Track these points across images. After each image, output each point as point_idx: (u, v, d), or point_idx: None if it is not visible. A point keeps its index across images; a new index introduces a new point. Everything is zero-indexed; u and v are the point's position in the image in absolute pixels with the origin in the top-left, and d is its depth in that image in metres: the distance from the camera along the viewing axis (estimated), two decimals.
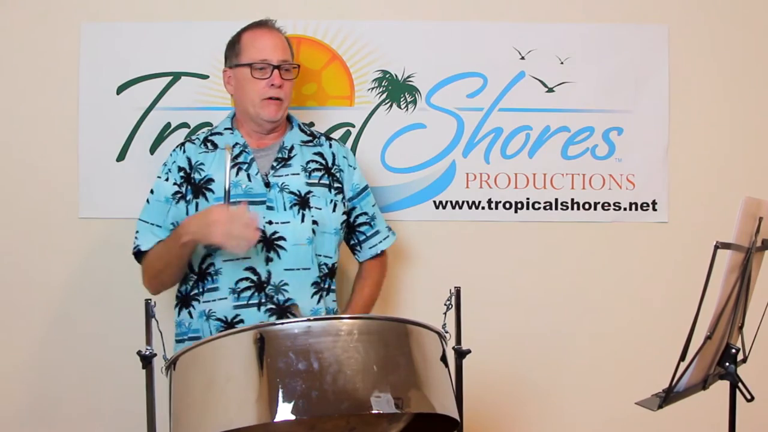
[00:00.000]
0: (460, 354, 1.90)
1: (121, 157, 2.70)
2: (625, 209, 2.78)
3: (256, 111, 2.28)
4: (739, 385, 1.83)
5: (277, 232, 2.22)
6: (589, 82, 2.76)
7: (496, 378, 2.68)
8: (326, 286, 2.30)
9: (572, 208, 2.77)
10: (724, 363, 1.84)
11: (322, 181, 2.32)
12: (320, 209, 2.28)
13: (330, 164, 2.37)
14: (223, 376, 1.64)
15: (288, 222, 2.24)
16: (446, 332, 1.84)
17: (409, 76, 2.74)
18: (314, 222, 2.26)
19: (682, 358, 1.72)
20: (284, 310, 2.20)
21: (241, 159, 2.28)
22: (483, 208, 2.76)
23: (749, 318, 1.93)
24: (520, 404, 2.79)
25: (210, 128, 2.43)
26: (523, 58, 2.75)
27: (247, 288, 2.21)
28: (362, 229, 2.45)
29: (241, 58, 2.28)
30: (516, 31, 2.75)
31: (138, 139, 2.69)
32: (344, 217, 2.36)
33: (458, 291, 1.92)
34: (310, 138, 2.40)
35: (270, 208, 2.23)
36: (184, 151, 2.31)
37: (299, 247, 2.24)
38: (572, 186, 2.77)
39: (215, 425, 1.58)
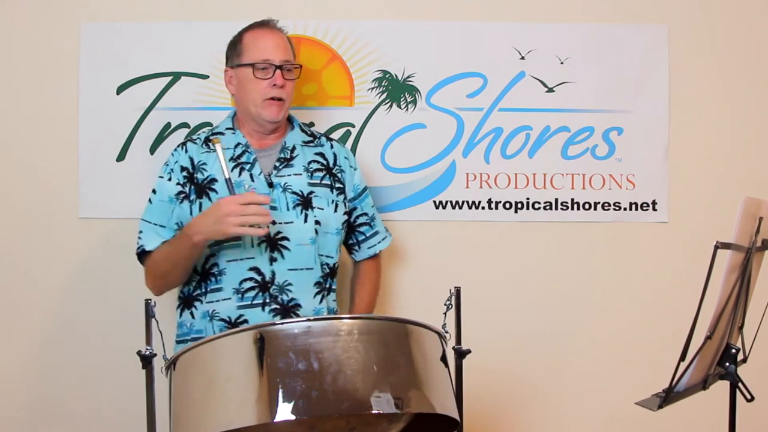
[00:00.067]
0: (460, 354, 1.91)
1: (121, 157, 2.70)
2: (625, 209, 2.78)
3: (258, 111, 2.28)
4: (739, 385, 1.83)
5: (281, 232, 2.22)
6: (589, 82, 2.76)
7: (496, 378, 2.68)
8: (328, 285, 2.30)
9: (572, 208, 2.77)
10: (724, 363, 1.84)
11: (323, 182, 2.33)
12: (322, 209, 2.28)
13: (331, 164, 2.37)
14: (223, 376, 1.64)
15: (291, 222, 2.24)
16: (446, 332, 1.84)
17: (409, 76, 2.74)
18: (317, 222, 2.27)
19: (682, 358, 1.72)
20: (288, 310, 2.20)
21: (243, 159, 2.28)
22: (483, 208, 2.76)
23: (749, 318, 1.93)
24: (520, 404, 2.79)
25: (211, 128, 2.43)
26: (523, 58, 2.75)
27: (251, 288, 2.21)
28: (362, 229, 2.45)
29: (243, 58, 2.28)
30: (516, 31, 2.75)
31: (138, 139, 2.69)
32: (345, 217, 2.36)
33: (458, 291, 1.92)
34: (311, 138, 2.40)
35: (273, 208, 2.22)
36: (186, 151, 2.31)
37: (303, 247, 2.24)
38: (572, 186, 2.77)
39: (215, 425, 1.58)
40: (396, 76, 2.73)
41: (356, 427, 1.72)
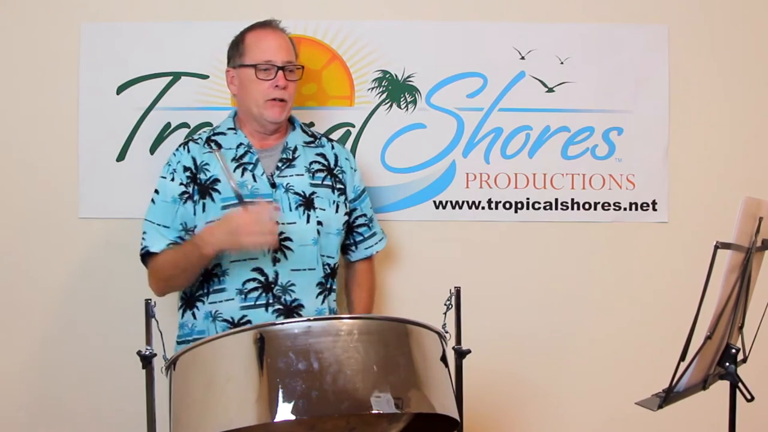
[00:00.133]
0: (460, 354, 1.91)
1: (121, 157, 2.70)
2: (625, 209, 2.78)
3: (260, 112, 2.28)
4: (739, 385, 1.83)
5: (284, 233, 2.22)
6: (589, 82, 2.76)
7: (496, 378, 2.67)
8: (329, 286, 2.31)
9: (572, 208, 2.77)
10: (724, 363, 1.84)
11: (325, 182, 2.33)
12: (324, 210, 2.29)
13: (332, 165, 2.37)
14: (223, 376, 1.64)
15: (294, 223, 2.24)
16: (446, 332, 1.84)
17: (409, 76, 2.74)
18: (319, 223, 2.27)
19: (682, 358, 1.72)
20: (291, 311, 2.20)
21: (246, 159, 2.28)
22: (483, 208, 2.76)
23: (749, 318, 1.93)
24: (520, 404, 2.79)
25: (212, 128, 2.43)
26: (523, 58, 2.75)
27: (255, 289, 2.21)
28: (360, 230, 2.46)
29: (245, 58, 2.28)
30: (516, 31, 2.75)
31: (138, 139, 2.69)
32: (346, 218, 2.36)
33: (458, 291, 1.92)
34: (312, 139, 2.40)
35: (276, 209, 2.22)
36: (189, 151, 2.30)
37: (305, 247, 2.24)
38: (572, 186, 2.77)
39: (215, 425, 1.59)
40: (396, 76, 2.73)
41: (356, 427, 1.72)
